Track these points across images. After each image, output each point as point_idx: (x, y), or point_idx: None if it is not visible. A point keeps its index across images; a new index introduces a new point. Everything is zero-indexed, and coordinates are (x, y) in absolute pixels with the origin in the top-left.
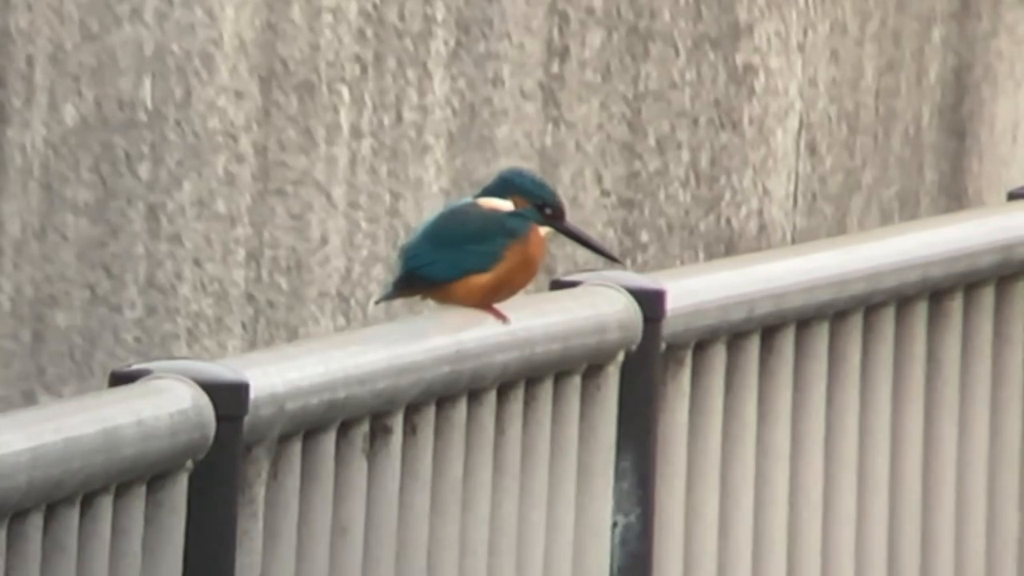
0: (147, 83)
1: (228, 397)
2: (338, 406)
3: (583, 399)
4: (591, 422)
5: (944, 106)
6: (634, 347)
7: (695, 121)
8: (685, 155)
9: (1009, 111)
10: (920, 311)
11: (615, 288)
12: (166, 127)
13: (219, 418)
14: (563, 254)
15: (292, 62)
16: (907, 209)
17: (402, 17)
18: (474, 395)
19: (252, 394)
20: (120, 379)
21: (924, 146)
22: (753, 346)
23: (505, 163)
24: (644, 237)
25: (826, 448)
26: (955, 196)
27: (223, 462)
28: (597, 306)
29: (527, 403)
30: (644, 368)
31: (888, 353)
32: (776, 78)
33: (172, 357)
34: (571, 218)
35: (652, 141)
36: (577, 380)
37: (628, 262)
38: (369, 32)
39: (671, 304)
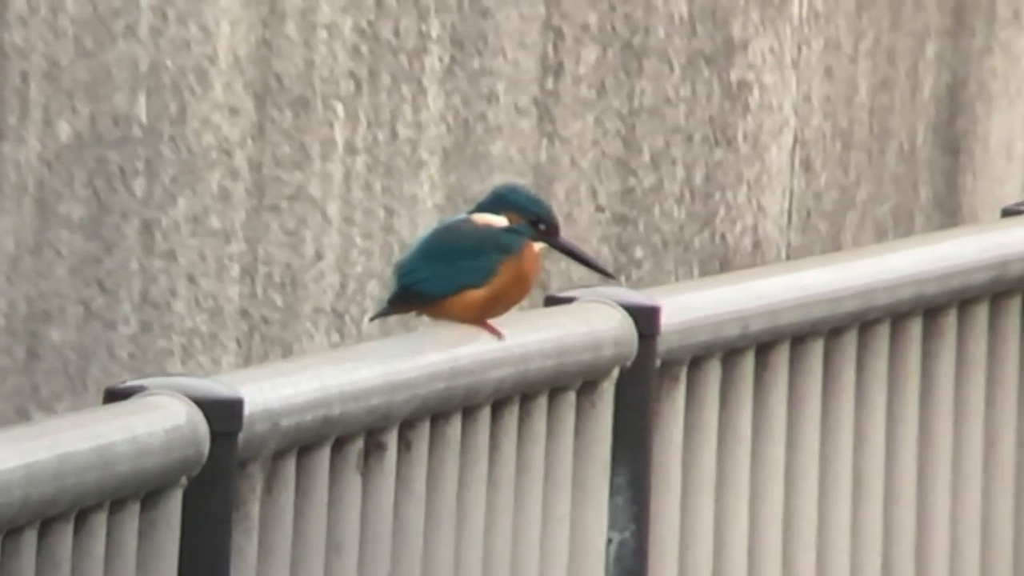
0: (142, 99)
1: (222, 413)
2: (333, 422)
3: (578, 415)
4: (586, 438)
5: (938, 123)
6: (629, 363)
7: (690, 137)
8: (680, 171)
9: (1003, 128)
10: (914, 328)
11: (610, 304)
12: (161, 143)
13: (213, 434)
14: (557, 270)
15: (287, 78)
16: (901, 226)
17: (397, 33)
18: (469, 411)
19: (246, 410)
20: (114, 395)
21: (918, 163)
22: (748, 362)
23: (499, 179)
24: (639, 253)
25: (821, 464)
26: (949, 213)
27: (217, 478)
28: (592, 322)
29: (522, 419)
30: (639, 384)
31: (883, 370)
32: (770, 95)
33: (166, 373)
34: (566, 234)
35: (647, 157)
36: (572, 396)
37: (623, 278)
38: (364, 48)
39: (666, 320)
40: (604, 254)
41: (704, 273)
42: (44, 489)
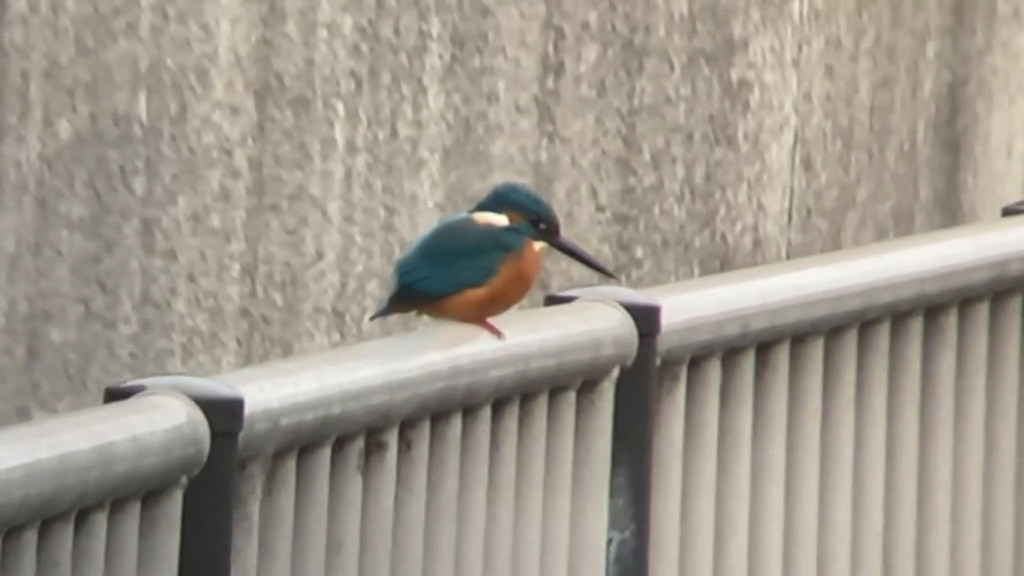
0: (142, 98)
1: (223, 413)
2: (333, 422)
3: (578, 415)
4: (586, 438)
5: (939, 121)
6: (629, 363)
7: (690, 136)
8: (680, 170)
9: (1004, 126)
10: (915, 327)
11: (610, 304)
12: (161, 142)
13: (214, 434)
14: (558, 269)
15: (287, 77)
16: (902, 225)
17: (397, 32)
18: (469, 411)
19: (247, 410)
20: (114, 395)
21: (919, 162)
22: (748, 362)
23: (500, 178)
24: (639, 252)
25: (821, 463)
26: (950, 212)
27: (218, 478)
28: (592, 321)
29: (522, 419)
30: (639, 384)
31: (883, 369)
32: (771, 93)
33: (167, 373)
34: (566, 233)
35: (647, 156)
36: (572, 396)
37: (623, 277)
38: (364, 47)
39: (666, 319)
40: (604, 253)
41: (704, 272)
42: (44, 488)
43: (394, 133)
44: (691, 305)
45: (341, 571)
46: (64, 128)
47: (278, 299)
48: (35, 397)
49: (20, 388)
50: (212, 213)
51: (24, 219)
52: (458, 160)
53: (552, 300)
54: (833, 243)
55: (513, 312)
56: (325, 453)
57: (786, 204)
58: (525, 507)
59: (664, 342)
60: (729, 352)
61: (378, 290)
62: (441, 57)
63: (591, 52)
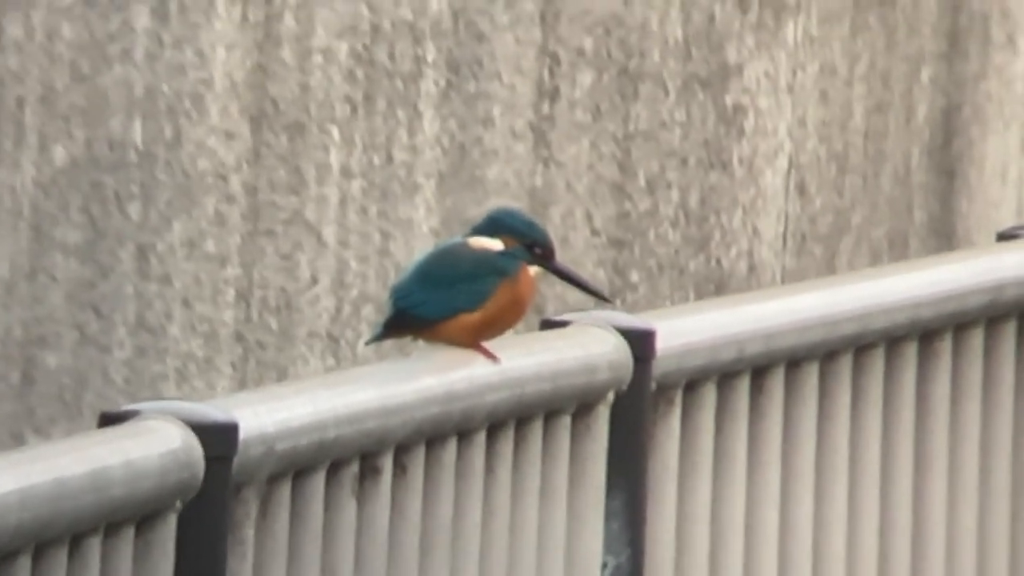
0: (137, 124)
1: (217, 438)
2: (327, 446)
3: (573, 439)
4: (581, 462)
5: (933, 147)
6: (624, 387)
7: (685, 161)
8: (675, 195)
9: (998, 152)
10: (910, 352)
11: (605, 328)
12: (156, 167)
13: (208, 459)
14: (553, 294)
15: (282, 102)
16: (896, 249)
17: (392, 57)
18: (464, 435)
19: (241, 434)
20: (109, 420)
21: (913, 187)
22: (743, 386)
23: (495, 203)
24: (634, 277)
25: (816, 488)
26: (944, 236)
27: (212, 503)
28: (587, 346)
29: (517, 443)
30: (634, 408)
31: (878, 394)
32: (765, 119)
33: (161, 398)
34: (561, 258)
35: (642, 181)
36: (567, 420)
37: (618, 302)
38: (359, 73)
39: (661, 344)
40: (600, 278)
41: (699, 297)
42: (39, 513)
43: (389, 158)
44: (686, 330)
45: None
46: (59, 154)
47: (273, 324)
48: (30, 422)
49: (15, 413)
50: (207, 238)
51: (19, 244)
52: (453, 185)
53: (547, 324)
54: (828, 268)
55: (508, 336)
56: (320, 477)
57: (781, 229)
58: (520, 531)
59: (659, 366)
60: (724, 376)
61: (373, 315)
62: (436, 83)
63: (586, 77)
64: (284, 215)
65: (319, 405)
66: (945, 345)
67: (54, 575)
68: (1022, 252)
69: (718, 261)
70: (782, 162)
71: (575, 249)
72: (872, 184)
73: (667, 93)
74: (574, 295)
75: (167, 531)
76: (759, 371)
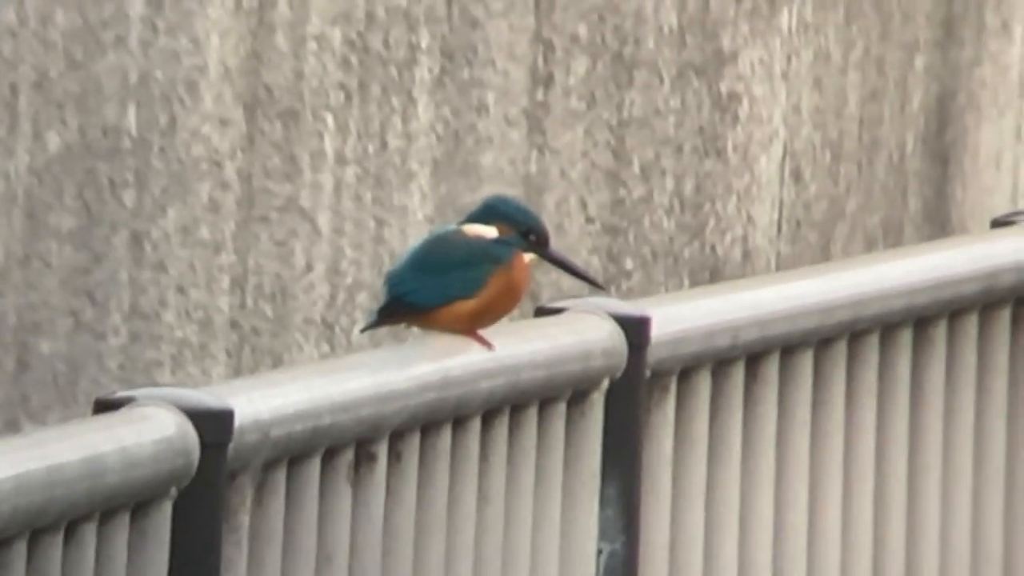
0: (131, 110)
1: (212, 424)
2: (322, 433)
3: (568, 426)
4: (576, 449)
5: (928, 134)
6: (619, 374)
7: (679, 148)
8: (669, 182)
9: (993, 139)
10: (904, 338)
11: (600, 315)
12: (150, 154)
13: (203, 445)
14: (548, 281)
15: (277, 89)
16: (891, 236)
17: (386, 45)
18: (459, 422)
19: (236, 421)
20: (104, 406)
21: (908, 174)
22: (738, 373)
23: (489, 190)
24: (629, 264)
25: (811, 475)
26: (939, 223)
27: (207, 489)
28: (582, 333)
29: (512, 430)
30: (629, 395)
31: (872, 380)
32: (760, 106)
33: (156, 384)
34: (556, 245)
35: (636, 168)
36: (562, 407)
37: (613, 289)
38: (353, 59)
39: (656, 331)
40: (594, 265)
41: (694, 284)
42: (34, 500)
43: (384, 145)
44: (681, 316)
45: None
46: (53, 140)
47: (268, 311)
48: (24, 409)
49: (9, 400)
50: (201, 225)
51: (13, 231)
52: (448, 172)
53: (542, 311)
54: (822, 255)
55: (503, 323)
56: (315, 464)
57: (775, 216)
58: (515, 518)
59: (654, 353)
60: (719, 363)
61: (368, 302)
62: (431, 69)
63: (581, 64)
64: (278, 202)
65: (314, 392)
66: (940, 332)
67: (49, 562)
68: (1016, 239)
69: (713, 248)
70: (777, 149)
71: (570, 236)
72: (867, 171)
73: (662, 80)
74: (569, 282)
75: (162, 518)
76: (754, 358)
